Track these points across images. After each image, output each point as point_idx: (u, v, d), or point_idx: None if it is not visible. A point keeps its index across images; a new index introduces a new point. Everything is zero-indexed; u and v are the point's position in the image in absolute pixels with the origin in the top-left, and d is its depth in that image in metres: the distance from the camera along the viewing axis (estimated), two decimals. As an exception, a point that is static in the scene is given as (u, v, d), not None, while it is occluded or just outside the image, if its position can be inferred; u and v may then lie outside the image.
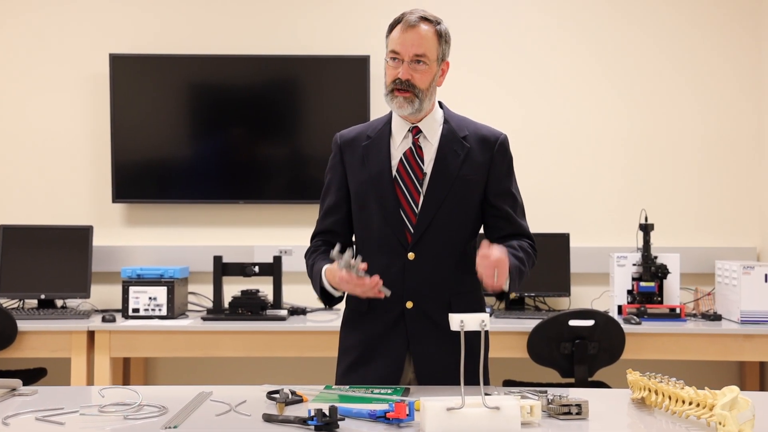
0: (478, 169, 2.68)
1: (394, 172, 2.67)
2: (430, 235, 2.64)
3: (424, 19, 2.63)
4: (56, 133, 4.94)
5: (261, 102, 4.90)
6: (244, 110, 4.91)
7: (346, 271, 2.46)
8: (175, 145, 4.94)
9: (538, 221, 4.66)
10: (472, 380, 2.31)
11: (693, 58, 4.93)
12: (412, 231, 2.64)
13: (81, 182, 4.95)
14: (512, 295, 4.66)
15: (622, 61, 4.94)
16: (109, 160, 4.87)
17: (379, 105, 4.70)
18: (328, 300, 2.71)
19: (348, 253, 2.46)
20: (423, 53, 2.60)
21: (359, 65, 4.85)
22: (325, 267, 2.65)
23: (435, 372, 2.63)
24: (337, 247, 2.46)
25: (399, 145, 2.70)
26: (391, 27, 2.66)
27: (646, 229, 4.53)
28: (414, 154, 2.68)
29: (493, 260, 2.45)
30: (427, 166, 2.67)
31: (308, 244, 2.81)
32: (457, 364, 2.13)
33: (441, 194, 2.65)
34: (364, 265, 2.47)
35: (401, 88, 2.61)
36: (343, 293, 2.70)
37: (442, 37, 2.65)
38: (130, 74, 4.88)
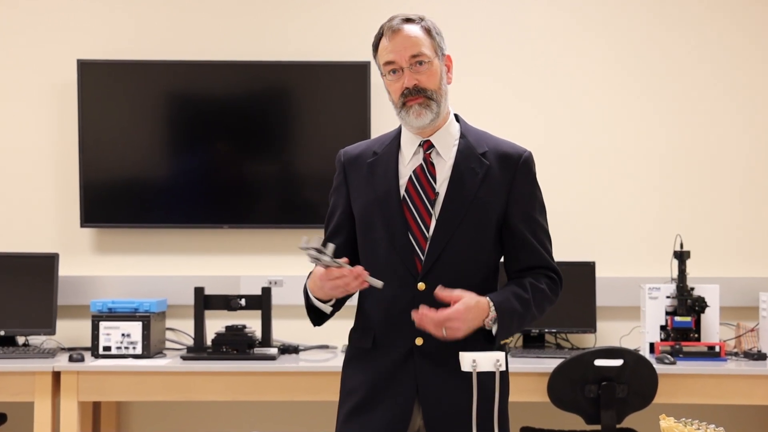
0: (498, 189, 2.68)
1: (402, 192, 2.68)
2: (443, 264, 2.63)
3: (406, 20, 2.68)
4: (17, 149, 4.96)
5: (248, 114, 4.93)
6: (230, 123, 4.94)
7: (324, 268, 2.47)
8: (152, 163, 4.97)
9: (560, 248, 4.60)
10: (486, 427, 2.32)
11: (736, 66, 4.96)
12: (422, 259, 2.64)
13: (45, 204, 4.96)
14: (533, 332, 4.69)
15: (655, 70, 4.96)
16: (77, 180, 4.88)
17: (380, 117, 4.73)
18: (318, 316, 2.72)
19: (315, 239, 2.42)
20: (419, 52, 2.64)
21: (358, 72, 4.88)
22: (309, 277, 2.67)
23: (447, 418, 2.62)
24: (304, 238, 2.42)
25: (409, 161, 2.72)
26: (376, 43, 2.71)
27: (681, 257, 4.54)
28: (425, 171, 2.69)
29: (435, 318, 2.50)
30: (441, 186, 2.67)
31: (302, 273, 2.81)
32: (471, 410, 2.13)
33: (456, 218, 2.65)
34: (343, 258, 2.47)
35: (412, 95, 2.64)
36: (333, 307, 2.69)
37: (431, 31, 2.69)
38: (101, 83, 4.90)
